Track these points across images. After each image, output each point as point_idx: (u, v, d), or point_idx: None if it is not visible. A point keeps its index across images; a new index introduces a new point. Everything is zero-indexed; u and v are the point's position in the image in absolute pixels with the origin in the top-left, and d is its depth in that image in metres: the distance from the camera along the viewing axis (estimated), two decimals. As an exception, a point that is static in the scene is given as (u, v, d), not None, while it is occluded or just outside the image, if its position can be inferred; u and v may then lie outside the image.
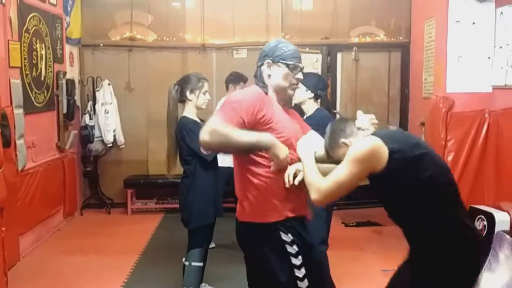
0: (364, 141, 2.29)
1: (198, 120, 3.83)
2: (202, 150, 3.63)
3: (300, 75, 2.60)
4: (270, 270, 2.47)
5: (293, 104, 4.13)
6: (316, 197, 2.32)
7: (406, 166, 2.25)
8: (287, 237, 2.45)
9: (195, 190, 3.77)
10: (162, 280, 4.69)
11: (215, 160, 3.81)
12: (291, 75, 2.56)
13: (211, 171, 3.79)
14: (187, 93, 3.79)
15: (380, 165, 2.24)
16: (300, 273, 2.44)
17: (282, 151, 2.38)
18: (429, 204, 2.28)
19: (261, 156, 2.45)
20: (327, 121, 3.88)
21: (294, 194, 2.48)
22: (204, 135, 2.33)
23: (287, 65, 2.55)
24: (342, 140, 2.43)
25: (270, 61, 2.56)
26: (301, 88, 3.97)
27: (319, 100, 4.12)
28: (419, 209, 2.29)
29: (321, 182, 2.31)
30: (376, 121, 2.51)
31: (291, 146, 2.48)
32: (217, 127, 2.33)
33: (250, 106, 2.41)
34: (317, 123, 3.85)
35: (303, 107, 4.02)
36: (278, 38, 2.70)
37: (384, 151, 2.23)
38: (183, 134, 3.72)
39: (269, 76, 2.57)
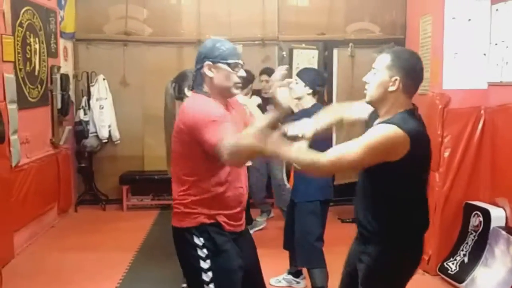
0: (386, 129, 2.24)
1: None
2: None
3: (242, 73, 2.55)
4: (185, 271, 2.67)
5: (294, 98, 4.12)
6: (319, 171, 2.37)
7: (417, 164, 2.30)
8: (198, 241, 2.51)
9: None
10: (159, 277, 4.68)
11: None
12: (233, 74, 2.51)
13: None
14: (186, 90, 3.76)
15: (396, 157, 2.23)
16: (207, 276, 2.51)
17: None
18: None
19: (187, 172, 2.51)
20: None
21: (219, 204, 2.52)
22: (230, 159, 2.33)
23: (228, 64, 2.49)
24: None
25: (210, 63, 2.49)
26: (300, 83, 3.96)
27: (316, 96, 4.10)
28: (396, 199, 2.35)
29: (321, 159, 2.25)
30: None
31: None
32: (233, 148, 2.29)
33: (221, 114, 2.44)
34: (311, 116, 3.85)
35: (301, 102, 4.01)
36: (214, 37, 2.61)
37: (405, 145, 2.22)
38: None
39: (211, 78, 2.51)
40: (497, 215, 4.37)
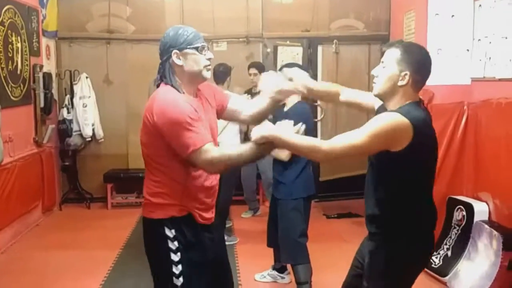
0: (388, 116, 2.26)
1: None
2: None
3: (209, 54, 2.52)
4: (153, 263, 2.61)
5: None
6: (321, 156, 2.31)
7: (424, 155, 2.31)
8: (170, 233, 2.48)
9: None
10: (144, 274, 4.61)
11: None
12: (202, 57, 2.48)
13: None
14: None
15: (399, 146, 2.23)
16: (177, 269, 2.48)
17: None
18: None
19: (159, 162, 2.47)
20: (307, 116, 3.91)
21: (191, 195, 2.50)
22: (209, 169, 2.39)
23: (196, 48, 2.46)
24: None
25: (177, 51, 2.44)
26: None
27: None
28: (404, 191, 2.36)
29: (323, 145, 2.25)
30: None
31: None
32: (214, 157, 2.33)
33: (194, 114, 2.38)
34: (296, 118, 3.86)
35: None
36: (174, 26, 2.56)
37: (409, 133, 2.22)
38: None
39: (181, 66, 2.46)
40: (480, 210, 4.41)
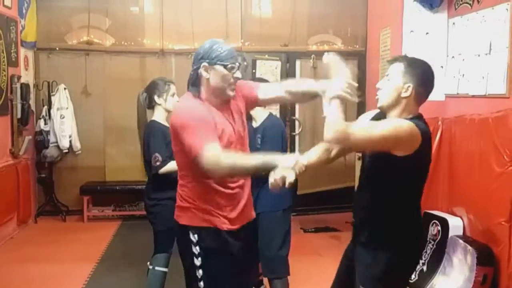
0: (401, 121, 2.40)
1: (167, 124, 3.83)
2: (152, 163, 3.68)
3: (238, 74, 2.55)
4: (183, 265, 2.66)
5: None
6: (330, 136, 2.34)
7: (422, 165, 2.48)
8: (193, 238, 2.55)
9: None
10: (119, 288, 4.64)
11: None
12: (229, 75, 2.51)
13: None
14: (156, 98, 3.81)
15: (403, 151, 2.36)
16: (199, 274, 2.55)
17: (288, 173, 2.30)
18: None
19: (187, 169, 2.54)
20: (280, 129, 3.90)
21: (213, 202, 2.53)
22: (214, 170, 2.38)
23: (225, 66, 2.50)
24: None
25: (207, 64, 2.50)
26: None
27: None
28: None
29: (349, 128, 2.32)
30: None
31: (230, 145, 2.52)
32: (220, 158, 2.34)
33: (208, 119, 2.45)
34: (267, 135, 3.84)
35: (252, 113, 3.82)
36: (213, 39, 2.61)
37: (417, 141, 2.36)
38: (149, 138, 3.73)
39: (207, 79, 2.52)
40: (455, 224, 4.45)
